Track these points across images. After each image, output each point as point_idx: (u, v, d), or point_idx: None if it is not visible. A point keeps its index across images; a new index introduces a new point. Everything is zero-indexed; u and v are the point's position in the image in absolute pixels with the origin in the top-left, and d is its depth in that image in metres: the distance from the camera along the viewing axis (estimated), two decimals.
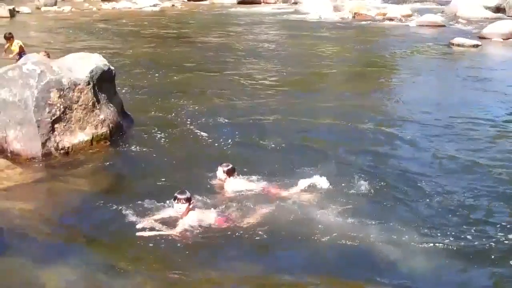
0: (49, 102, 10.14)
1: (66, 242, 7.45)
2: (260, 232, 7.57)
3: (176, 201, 7.74)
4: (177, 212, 7.72)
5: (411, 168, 10.03)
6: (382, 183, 9.21)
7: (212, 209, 8.05)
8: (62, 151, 10.18)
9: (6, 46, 16.78)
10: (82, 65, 10.99)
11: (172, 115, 12.83)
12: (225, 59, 20.17)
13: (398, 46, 23.76)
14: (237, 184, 8.84)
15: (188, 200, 7.75)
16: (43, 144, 9.98)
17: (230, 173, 8.86)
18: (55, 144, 10.14)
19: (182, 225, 7.57)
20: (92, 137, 10.60)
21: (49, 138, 10.08)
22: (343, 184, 8.96)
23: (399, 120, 13.12)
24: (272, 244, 7.45)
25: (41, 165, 9.76)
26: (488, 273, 6.92)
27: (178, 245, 7.26)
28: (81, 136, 10.51)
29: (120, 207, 8.07)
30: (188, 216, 7.69)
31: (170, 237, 7.37)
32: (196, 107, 13.36)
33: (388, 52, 22.59)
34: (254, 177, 9.09)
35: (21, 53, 16.20)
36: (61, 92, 10.27)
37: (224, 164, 8.97)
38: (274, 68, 18.64)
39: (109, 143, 10.77)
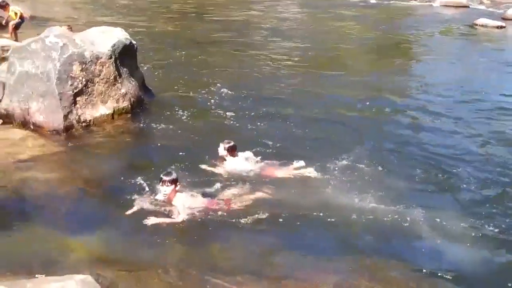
0: (71, 75, 10.19)
1: (86, 211, 7.53)
2: (251, 215, 7.44)
3: (161, 183, 7.36)
4: (163, 195, 7.38)
5: (431, 151, 9.97)
6: (394, 165, 9.21)
7: (202, 191, 7.76)
8: (83, 124, 10.25)
9: (6, 16, 16.55)
10: (104, 38, 11.03)
11: (193, 91, 12.84)
12: (246, 36, 20.07)
13: (421, 26, 23.50)
14: (237, 162, 8.75)
15: (175, 181, 7.39)
16: (65, 117, 10.05)
17: (231, 150, 8.80)
18: (77, 117, 10.21)
19: (171, 208, 7.32)
20: (113, 110, 10.66)
21: (71, 111, 10.14)
22: (361, 166, 8.95)
23: (421, 102, 12.98)
24: (268, 225, 7.32)
25: (62, 137, 9.85)
26: None
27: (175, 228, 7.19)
28: (103, 110, 10.57)
29: (138, 180, 8.11)
30: (176, 199, 7.39)
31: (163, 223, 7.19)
32: (217, 84, 13.31)
33: (411, 32, 22.35)
34: (258, 157, 9.00)
35: (22, 19, 16.15)
36: (83, 65, 10.32)
37: (226, 141, 8.89)
38: (295, 47, 18.53)
39: (130, 116, 10.83)
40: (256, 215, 7.39)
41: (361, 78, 14.84)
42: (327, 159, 9.03)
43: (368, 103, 12.51)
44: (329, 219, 7.42)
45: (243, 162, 8.79)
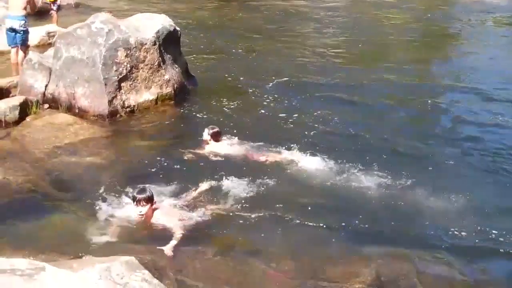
0: (116, 60, 10.27)
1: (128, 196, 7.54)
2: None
3: (135, 203, 6.54)
4: (138, 215, 6.58)
5: (471, 144, 9.71)
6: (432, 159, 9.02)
7: (181, 202, 7.24)
8: (127, 109, 10.34)
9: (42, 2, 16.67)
10: (149, 25, 11.09)
11: (235, 79, 12.80)
12: (290, 25, 19.87)
13: (468, 14, 22.85)
14: (219, 147, 8.92)
15: (150, 200, 6.64)
16: (110, 102, 10.14)
17: (214, 136, 8.98)
18: (121, 102, 10.30)
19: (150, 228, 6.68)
20: (157, 96, 10.72)
21: (115, 96, 10.24)
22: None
23: (465, 95, 12.53)
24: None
25: (107, 122, 9.96)
26: None
27: None
28: (146, 95, 10.64)
29: (178, 167, 8.14)
30: (156, 217, 6.69)
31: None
32: (260, 74, 13.21)
33: (458, 21, 21.78)
34: (247, 143, 9.07)
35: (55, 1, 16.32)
36: (128, 51, 10.39)
37: (211, 126, 9.11)
38: (339, 36, 18.19)
39: (173, 103, 10.87)
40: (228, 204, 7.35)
41: (406, 68, 14.49)
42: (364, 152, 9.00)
43: (414, 94, 12.24)
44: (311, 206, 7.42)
45: (226, 147, 8.96)
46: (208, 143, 9.02)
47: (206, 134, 9.04)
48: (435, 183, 7.98)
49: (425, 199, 7.58)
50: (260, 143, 9.06)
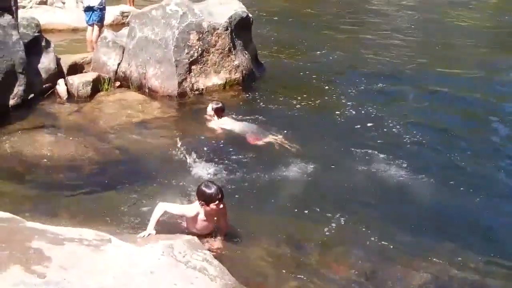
0: (188, 43, 10.40)
1: (192, 176, 7.57)
2: None
3: (218, 199, 5.68)
4: (217, 209, 5.79)
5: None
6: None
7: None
8: (196, 92, 10.48)
9: None
10: (222, 10, 11.17)
11: (304, 69, 12.70)
12: (359, 17, 19.67)
13: None
14: (221, 123, 9.11)
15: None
16: (179, 84, 10.29)
17: (218, 112, 9.15)
18: (190, 85, 10.44)
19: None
20: (226, 81, 10.81)
21: (185, 78, 10.38)
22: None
23: None
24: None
25: (175, 103, 10.12)
26: None
27: None
28: (215, 80, 10.73)
29: (241, 151, 8.20)
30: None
31: None
32: (329, 64, 13.13)
33: None
34: (253, 123, 9.23)
35: None
36: (200, 35, 10.50)
37: (215, 101, 9.35)
38: (407, 34, 17.71)
39: (240, 88, 10.94)
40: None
41: (472, 75, 13.81)
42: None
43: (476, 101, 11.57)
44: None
45: (228, 124, 9.14)
46: (212, 119, 9.19)
47: (210, 109, 9.22)
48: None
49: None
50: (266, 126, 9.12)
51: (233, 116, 9.45)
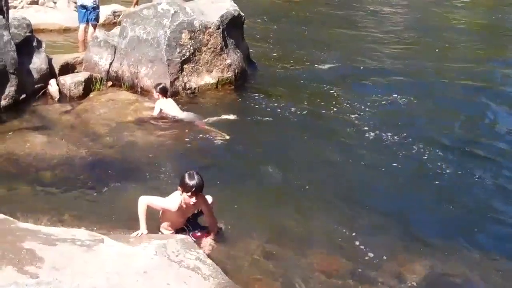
0: (180, 42, 10.40)
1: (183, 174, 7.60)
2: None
3: (193, 191, 5.56)
4: (190, 203, 5.70)
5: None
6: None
7: None
8: (188, 91, 10.48)
9: None
10: (214, 9, 11.18)
11: (296, 66, 12.79)
12: (352, 16, 19.66)
13: None
14: (165, 103, 9.47)
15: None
16: (172, 83, 10.28)
17: (162, 92, 9.51)
18: (183, 84, 10.44)
19: None
20: (218, 80, 10.81)
21: (177, 78, 10.37)
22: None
23: None
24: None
25: None
26: None
27: None
28: (207, 79, 10.73)
29: (235, 150, 8.27)
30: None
31: None
32: (321, 62, 13.17)
33: None
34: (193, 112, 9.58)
35: None
36: (192, 34, 10.49)
37: (157, 83, 9.74)
38: (401, 33, 17.63)
39: (233, 88, 10.93)
40: None
41: (467, 69, 13.85)
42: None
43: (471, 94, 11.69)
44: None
45: (171, 104, 9.54)
46: (157, 99, 9.53)
47: (155, 93, 9.59)
48: None
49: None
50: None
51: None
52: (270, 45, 14.55)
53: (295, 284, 5.45)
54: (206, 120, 9.35)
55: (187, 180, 5.54)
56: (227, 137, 8.83)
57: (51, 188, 7.07)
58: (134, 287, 4.50)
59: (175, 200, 5.73)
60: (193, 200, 5.59)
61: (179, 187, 5.65)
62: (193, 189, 5.51)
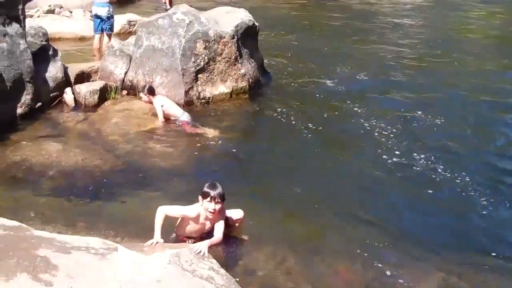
0: (194, 52, 10.44)
1: (198, 184, 7.61)
2: None
3: (215, 199, 5.69)
4: (209, 212, 5.78)
5: None
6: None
7: None
8: (202, 101, 10.50)
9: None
10: (228, 19, 11.22)
11: (310, 77, 12.75)
12: (365, 26, 19.56)
13: None
14: (162, 100, 9.73)
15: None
16: (186, 92, 10.32)
17: (150, 92, 9.72)
18: (197, 93, 10.46)
19: None
20: (232, 90, 10.83)
21: (192, 87, 10.41)
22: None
23: None
24: None
25: None
26: None
27: None
28: (222, 88, 10.75)
29: (251, 162, 8.26)
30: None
31: None
32: (335, 73, 13.09)
33: None
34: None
35: None
36: (207, 44, 10.53)
37: (141, 86, 10.12)
38: (415, 39, 17.67)
39: (247, 97, 10.95)
40: None
41: (484, 83, 13.36)
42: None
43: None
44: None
45: (165, 100, 9.81)
46: (152, 101, 9.70)
47: (144, 96, 9.77)
48: None
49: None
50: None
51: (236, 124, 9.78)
52: (284, 56, 14.49)
53: None
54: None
55: (208, 187, 5.70)
56: (216, 132, 9.24)
57: (66, 197, 7.09)
58: None
59: (195, 208, 5.85)
60: (212, 206, 5.67)
61: (200, 196, 5.75)
62: (214, 196, 5.64)
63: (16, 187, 7.26)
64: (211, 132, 9.24)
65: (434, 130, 9.94)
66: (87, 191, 7.25)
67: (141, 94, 9.87)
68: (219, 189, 5.68)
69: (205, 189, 5.71)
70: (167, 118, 9.59)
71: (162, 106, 9.58)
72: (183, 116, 9.60)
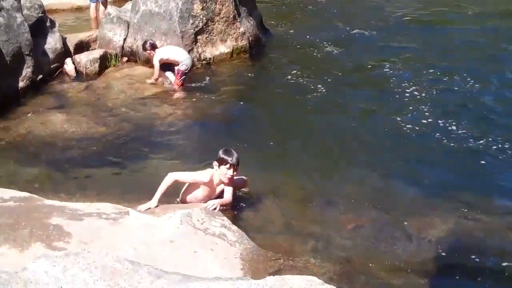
0: (192, 13, 10.33)
1: (204, 145, 7.71)
2: None
3: (233, 166, 5.71)
4: (227, 177, 5.76)
5: None
6: None
7: None
8: (203, 62, 10.44)
9: None
10: None
11: (311, 32, 12.53)
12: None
13: None
14: (165, 51, 9.69)
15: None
16: None
17: (153, 47, 9.67)
18: (198, 55, 10.39)
19: None
20: (232, 49, 10.75)
21: (192, 49, 10.33)
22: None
23: None
24: None
25: None
26: None
27: None
28: (222, 48, 10.68)
29: (254, 119, 8.25)
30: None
31: None
32: (336, 28, 12.88)
33: None
34: None
35: None
36: (204, 4, 10.42)
37: (143, 42, 9.88)
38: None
39: (248, 56, 10.87)
40: None
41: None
42: None
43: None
44: None
45: (167, 49, 9.78)
46: (154, 55, 9.60)
47: (148, 51, 9.68)
48: None
49: None
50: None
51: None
52: (284, 12, 14.33)
53: (321, 246, 5.46)
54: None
55: (224, 154, 5.71)
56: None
57: (75, 165, 7.13)
58: (162, 257, 4.55)
59: (207, 173, 5.86)
60: (230, 172, 5.70)
61: (215, 162, 5.76)
62: (232, 161, 5.66)
63: (25, 159, 7.29)
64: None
65: (444, 88, 9.67)
66: (94, 159, 7.28)
67: (145, 52, 9.79)
68: (236, 155, 5.71)
69: (222, 155, 5.71)
70: (172, 64, 9.55)
71: (161, 59, 9.50)
72: (182, 65, 9.46)
